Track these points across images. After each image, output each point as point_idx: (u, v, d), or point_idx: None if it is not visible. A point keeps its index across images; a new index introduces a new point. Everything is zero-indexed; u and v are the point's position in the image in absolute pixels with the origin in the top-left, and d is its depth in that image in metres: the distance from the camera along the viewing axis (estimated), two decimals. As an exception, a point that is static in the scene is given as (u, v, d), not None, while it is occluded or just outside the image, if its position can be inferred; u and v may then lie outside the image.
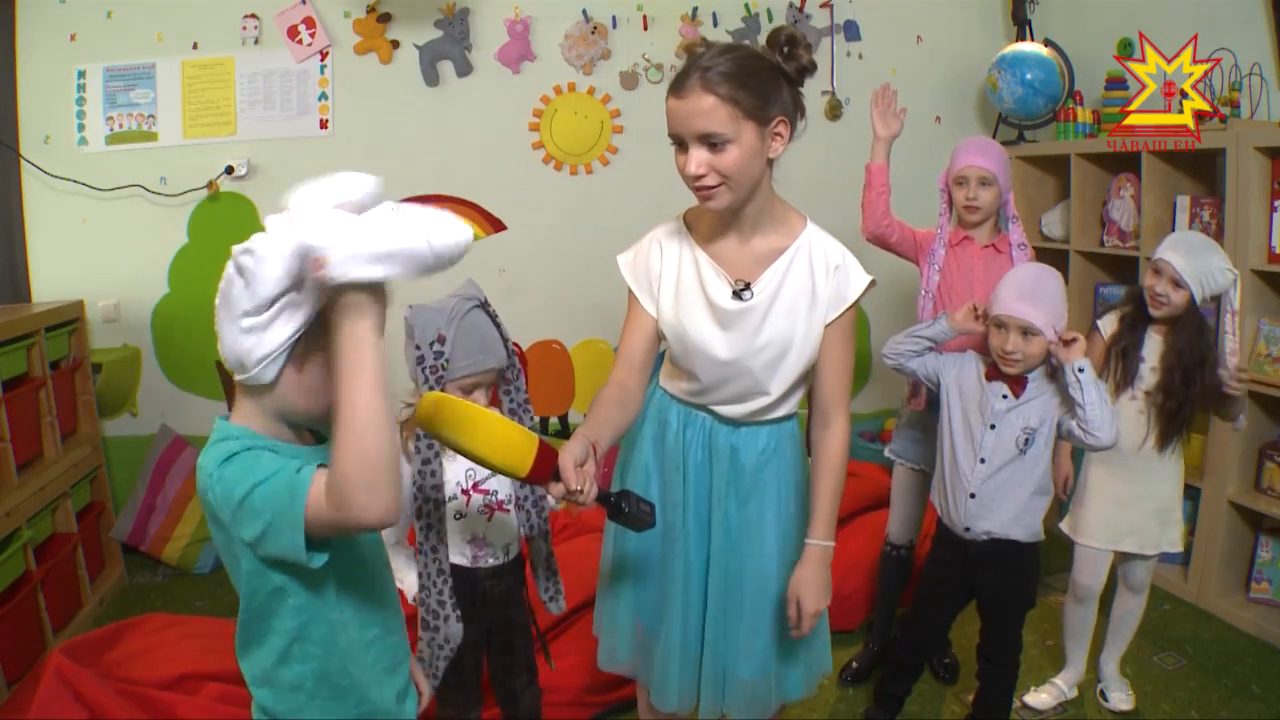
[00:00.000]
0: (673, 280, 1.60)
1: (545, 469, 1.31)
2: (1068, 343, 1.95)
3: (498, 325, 1.74)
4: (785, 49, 1.46)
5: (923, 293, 2.46)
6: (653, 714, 1.84)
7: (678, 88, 1.44)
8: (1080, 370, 1.92)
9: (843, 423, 1.64)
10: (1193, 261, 2.15)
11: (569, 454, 1.33)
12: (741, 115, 1.41)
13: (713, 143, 1.43)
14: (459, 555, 1.78)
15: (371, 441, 0.95)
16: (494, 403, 1.76)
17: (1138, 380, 2.24)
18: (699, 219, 1.63)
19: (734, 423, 1.66)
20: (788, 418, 1.69)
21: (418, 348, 1.66)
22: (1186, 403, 2.20)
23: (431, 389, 1.64)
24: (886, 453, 2.61)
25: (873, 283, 1.60)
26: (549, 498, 1.81)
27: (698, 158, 1.43)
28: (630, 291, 1.66)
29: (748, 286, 1.56)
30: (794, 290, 1.57)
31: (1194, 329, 2.18)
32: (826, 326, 1.59)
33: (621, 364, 1.62)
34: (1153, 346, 2.24)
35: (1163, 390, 2.21)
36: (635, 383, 1.61)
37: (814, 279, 1.57)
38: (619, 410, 1.56)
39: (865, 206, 2.44)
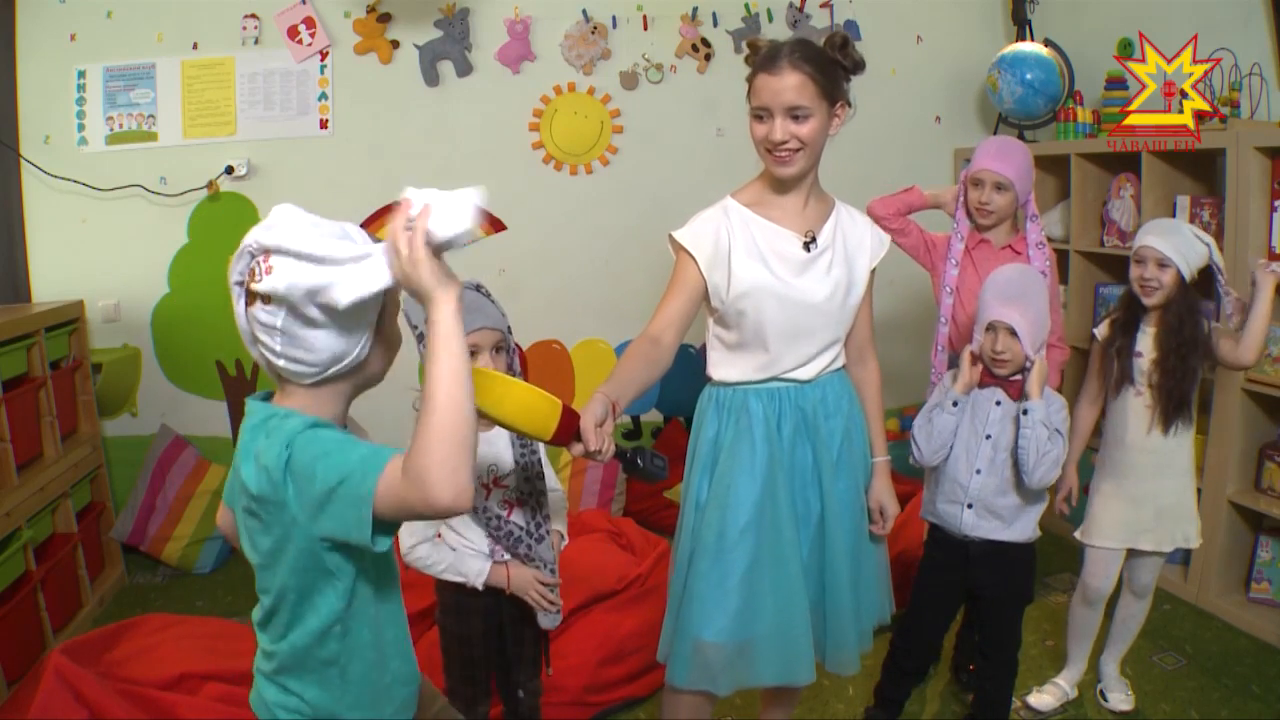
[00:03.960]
0: (743, 250, 1.73)
1: (568, 431, 1.41)
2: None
3: (492, 302, 1.77)
4: (842, 48, 1.69)
5: (945, 289, 2.47)
6: (695, 712, 1.86)
7: (770, 66, 1.64)
8: (1025, 412, 1.98)
9: (876, 358, 1.96)
10: (1171, 239, 2.17)
11: (590, 415, 1.44)
12: (820, 94, 1.64)
13: (796, 115, 1.64)
14: (479, 547, 1.81)
15: (454, 421, 1.00)
16: None
17: (1138, 375, 2.24)
18: (751, 195, 1.79)
19: (809, 381, 1.80)
20: (841, 368, 1.88)
21: (415, 327, 1.69)
22: (1185, 378, 2.18)
23: None
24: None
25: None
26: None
27: (783, 127, 1.65)
28: (683, 258, 1.74)
29: (814, 239, 1.76)
30: (846, 240, 1.81)
31: (1186, 306, 2.17)
32: (871, 272, 1.84)
33: (660, 318, 1.72)
34: (1146, 340, 2.24)
35: (1159, 369, 2.20)
36: (670, 338, 1.70)
37: (859, 231, 1.84)
38: (647, 368, 1.65)
39: (887, 198, 2.49)
